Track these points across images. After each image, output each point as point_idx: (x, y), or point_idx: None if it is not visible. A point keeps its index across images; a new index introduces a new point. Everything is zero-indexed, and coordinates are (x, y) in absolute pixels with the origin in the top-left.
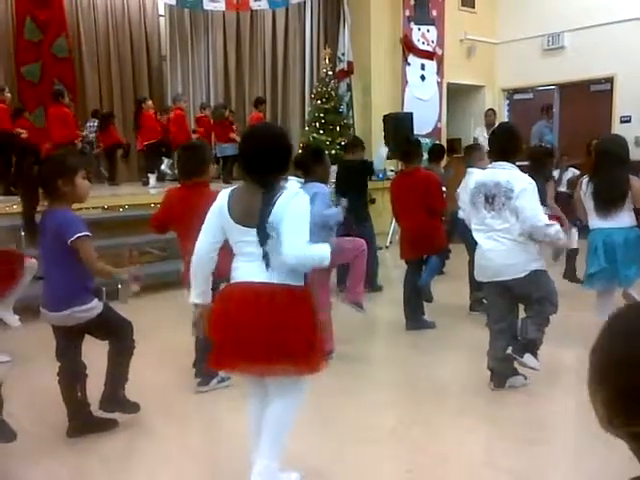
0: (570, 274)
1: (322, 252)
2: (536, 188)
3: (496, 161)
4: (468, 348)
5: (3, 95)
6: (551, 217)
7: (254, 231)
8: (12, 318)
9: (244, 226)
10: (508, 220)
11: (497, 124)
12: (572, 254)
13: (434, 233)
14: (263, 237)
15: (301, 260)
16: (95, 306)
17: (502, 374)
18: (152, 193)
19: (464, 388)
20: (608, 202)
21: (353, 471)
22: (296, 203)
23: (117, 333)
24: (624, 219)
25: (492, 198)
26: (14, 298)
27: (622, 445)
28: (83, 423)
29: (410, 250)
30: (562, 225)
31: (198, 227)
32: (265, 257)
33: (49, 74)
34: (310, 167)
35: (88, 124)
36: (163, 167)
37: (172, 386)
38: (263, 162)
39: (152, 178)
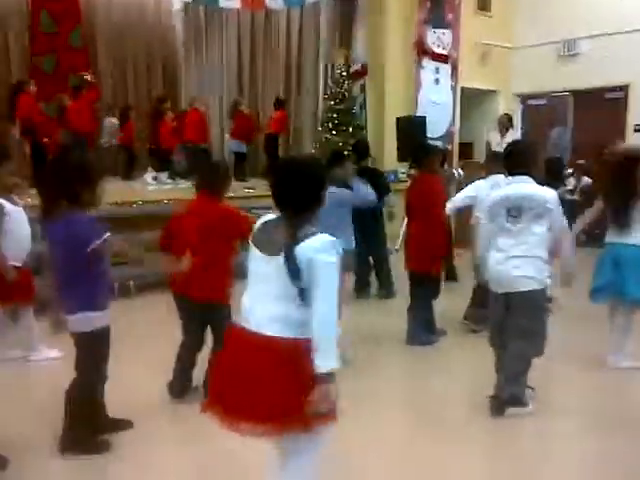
0: None
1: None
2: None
3: (513, 175)
4: (477, 361)
5: (29, 88)
6: None
7: (272, 261)
8: None
9: (264, 253)
10: (534, 232)
11: (512, 138)
12: None
13: (430, 247)
14: (293, 270)
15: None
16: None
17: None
18: (150, 190)
19: (470, 407)
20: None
21: None
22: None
23: (91, 365)
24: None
25: (517, 210)
26: None
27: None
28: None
29: (409, 260)
30: None
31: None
32: (301, 294)
33: (63, 66)
34: (330, 170)
35: (106, 124)
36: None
37: (161, 399)
38: (288, 197)
39: (163, 175)
